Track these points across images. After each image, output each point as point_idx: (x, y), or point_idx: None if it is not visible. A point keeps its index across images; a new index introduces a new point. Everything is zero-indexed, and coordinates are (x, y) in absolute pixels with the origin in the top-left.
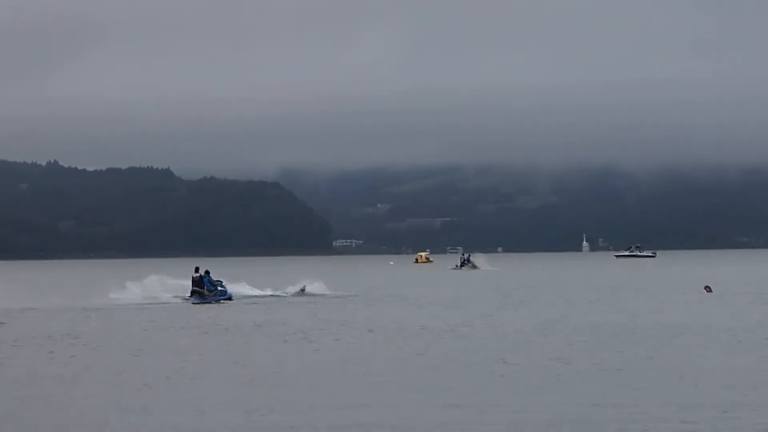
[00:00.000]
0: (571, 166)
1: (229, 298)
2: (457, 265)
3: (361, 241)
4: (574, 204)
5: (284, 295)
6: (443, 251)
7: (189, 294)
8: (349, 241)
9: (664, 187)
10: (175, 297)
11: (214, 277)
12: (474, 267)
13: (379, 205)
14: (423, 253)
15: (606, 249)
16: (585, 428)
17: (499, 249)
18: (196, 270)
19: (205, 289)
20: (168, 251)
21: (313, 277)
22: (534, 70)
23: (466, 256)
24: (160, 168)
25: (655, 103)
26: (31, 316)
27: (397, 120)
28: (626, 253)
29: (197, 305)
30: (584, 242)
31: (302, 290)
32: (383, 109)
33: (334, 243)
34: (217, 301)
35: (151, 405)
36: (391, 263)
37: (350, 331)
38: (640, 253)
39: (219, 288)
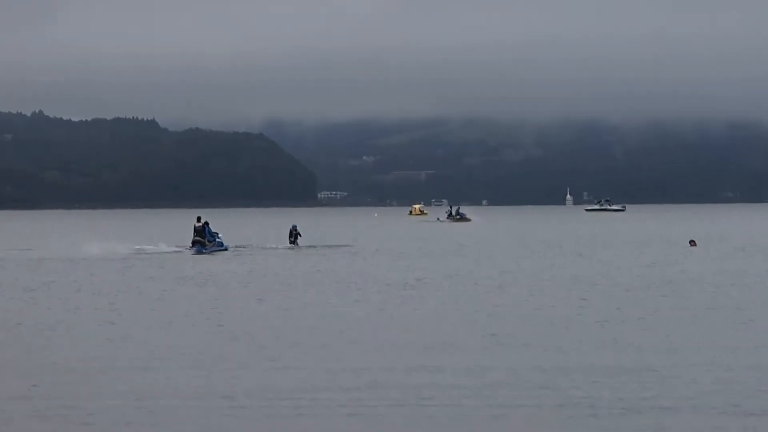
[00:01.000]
0: (557, 119)
1: (225, 250)
2: (439, 218)
3: (346, 193)
4: (560, 157)
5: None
6: (428, 204)
7: (190, 244)
8: (334, 192)
9: (650, 141)
10: (178, 247)
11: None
12: (463, 219)
13: (364, 158)
14: (417, 206)
15: (590, 203)
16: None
17: (484, 202)
18: (198, 219)
19: (206, 240)
20: (153, 202)
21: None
22: (521, 25)
23: (455, 208)
24: (145, 119)
25: (641, 58)
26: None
27: (384, 72)
28: (596, 206)
29: (199, 255)
30: (568, 196)
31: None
32: (370, 62)
33: (319, 195)
34: (212, 252)
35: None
36: (375, 215)
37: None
38: (609, 207)
39: (216, 239)
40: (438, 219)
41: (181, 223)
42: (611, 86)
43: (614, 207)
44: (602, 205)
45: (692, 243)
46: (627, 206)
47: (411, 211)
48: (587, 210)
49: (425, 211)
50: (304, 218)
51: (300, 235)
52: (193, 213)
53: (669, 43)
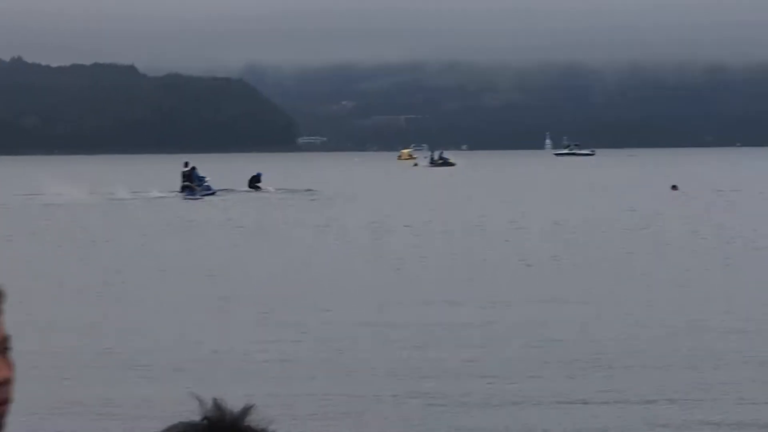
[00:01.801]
0: (536, 64)
1: (213, 194)
2: (416, 164)
3: (325, 139)
4: (539, 102)
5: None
6: (409, 149)
7: (180, 189)
8: (314, 138)
9: (629, 85)
10: (169, 192)
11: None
12: (446, 163)
13: (343, 103)
14: (406, 150)
15: (569, 147)
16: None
17: (464, 146)
18: (186, 165)
19: (195, 184)
20: (132, 148)
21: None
22: None
23: (437, 152)
24: (124, 64)
25: (621, 1)
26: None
27: (363, 17)
28: (565, 151)
29: (189, 200)
30: (547, 140)
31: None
32: (349, 6)
33: (299, 140)
34: (201, 196)
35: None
36: (356, 160)
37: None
38: (579, 152)
39: (204, 183)
40: (415, 164)
41: (166, 168)
42: (590, 30)
43: (583, 151)
44: (571, 149)
45: (674, 188)
46: (601, 150)
47: (400, 156)
48: (556, 154)
49: (414, 156)
50: (283, 164)
51: (260, 184)
52: (173, 159)
53: None
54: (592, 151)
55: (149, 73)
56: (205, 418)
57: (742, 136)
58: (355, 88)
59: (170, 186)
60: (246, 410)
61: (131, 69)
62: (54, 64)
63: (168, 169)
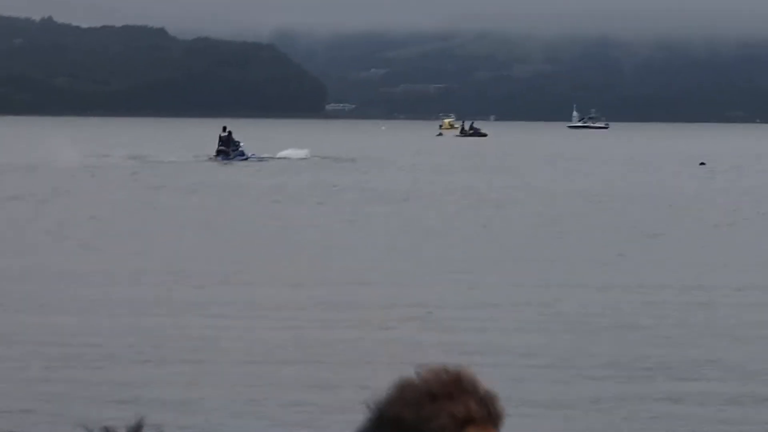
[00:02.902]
0: (566, 35)
1: (246, 159)
2: (440, 133)
3: (354, 106)
4: (569, 73)
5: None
6: (436, 117)
7: (215, 153)
8: (342, 105)
9: (660, 59)
10: (206, 156)
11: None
12: (477, 134)
13: (373, 70)
14: (448, 120)
15: (598, 119)
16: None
17: (492, 117)
18: (224, 129)
19: (230, 149)
20: (161, 111)
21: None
22: None
23: (468, 123)
24: (154, 27)
25: None
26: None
27: None
28: (579, 123)
29: (225, 163)
30: (574, 113)
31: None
32: None
33: (327, 107)
34: (236, 160)
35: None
36: (383, 128)
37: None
38: (593, 124)
39: (239, 148)
40: (439, 134)
41: (198, 132)
42: (621, 2)
43: (597, 124)
44: (585, 122)
45: (702, 164)
46: (628, 125)
47: (441, 125)
48: (570, 127)
49: (456, 126)
50: (313, 129)
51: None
52: (202, 122)
53: None
54: (606, 125)
55: (179, 36)
56: None
57: None
58: (386, 55)
59: (204, 150)
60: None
61: (161, 32)
62: (84, 25)
63: (197, 133)
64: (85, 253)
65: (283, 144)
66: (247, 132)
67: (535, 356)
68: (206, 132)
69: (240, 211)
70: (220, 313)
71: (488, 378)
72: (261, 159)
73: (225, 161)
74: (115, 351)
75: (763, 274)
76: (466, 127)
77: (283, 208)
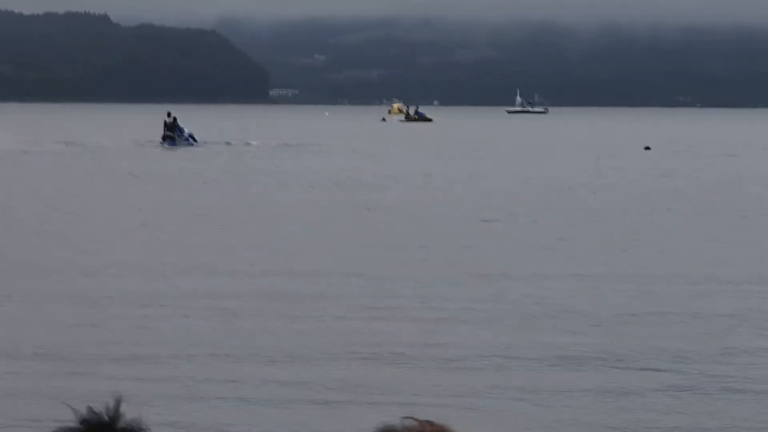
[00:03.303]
0: (509, 21)
1: (192, 145)
2: (384, 118)
3: (297, 92)
4: (512, 59)
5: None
6: (380, 103)
7: (161, 139)
8: (285, 90)
9: (603, 44)
10: (147, 142)
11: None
12: (422, 119)
13: (316, 56)
14: (396, 105)
15: (542, 104)
16: None
17: (436, 102)
18: (168, 115)
19: (176, 135)
20: (104, 97)
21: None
22: None
23: (413, 108)
24: (97, 13)
25: None
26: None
27: None
28: (518, 108)
29: (170, 149)
30: (518, 97)
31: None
32: None
33: (270, 92)
34: (181, 145)
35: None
36: (327, 114)
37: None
38: (531, 109)
39: (185, 134)
40: (383, 119)
41: (146, 118)
42: None
43: (536, 109)
44: (524, 107)
45: (647, 149)
46: (572, 109)
47: (390, 111)
48: (509, 112)
49: (404, 110)
50: (253, 115)
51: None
52: (146, 108)
53: None
54: (546, 109)
55: (122, 23)
56: (82, 422)
57: (716, 97)
58: (329, 41)
59: (147, 136)
60: (117, 410)
61: (104, 18)
62: (27, 12)
63: (142, 119)
64: None
65: (227, 129)
66: (191, 118)
67: (475, 347)
68: (151, 118)
69: (165, 197)
70: (144, 302)
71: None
72: (205, 144)
73: (170, 147)
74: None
75: (684, 253)
76: (411, 112)
77: (209, 194)
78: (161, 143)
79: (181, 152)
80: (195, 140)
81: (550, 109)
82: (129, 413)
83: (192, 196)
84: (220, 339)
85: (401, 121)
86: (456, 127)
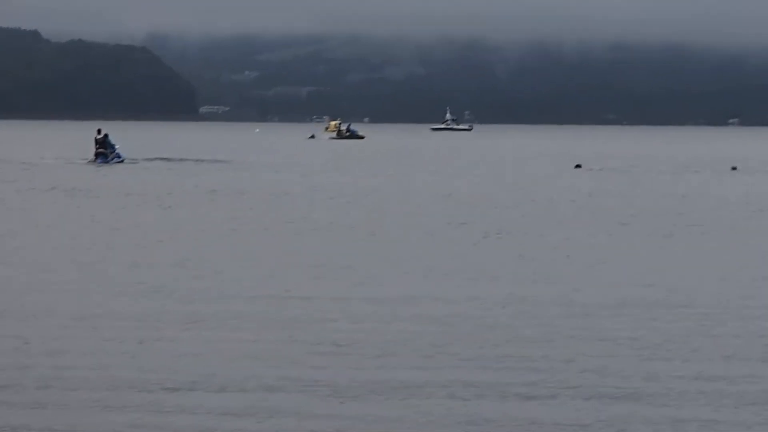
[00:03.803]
0: (437, 38)
1: (122, 161)
2: (313, 135)
3: (227, 108)
4: (442, 76)
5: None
6: (310, 120)
7: (94, 156)
8: (215, 107)
9: (532, 61)
10: (81, 159)
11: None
12: (354, 136)
13: (246, 72)
14: (334, 122)
15: (471, 121)
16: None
17: (366, 119)
18: (99, 132)
19: (108, 151)
20: (33, 114)
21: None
22: None
23: (345, 125)
24: (27, 29)
25: None
26: None
27: None
28: (442, 126)
29: (102, 166)
30: (447, 114)
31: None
32: None
33: (200, 109)
34: (112, 162)
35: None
36: (257, 131)
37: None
38: (456, 126)
39: (115, 150)
40: (311, 136)
41: (73, 135)
42: (492, 4)
43: (461, 126)
44: (448, 124)
45: (578, 166)
46: (500, 126)
47: (327, 128)
48: (433, 129)
49: (341, 128)
50: (184, 132)
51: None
52: (76, 125)
53: None
54: (470, 126)
55: (52, 38)
56: None
57: (644, 115)
58: (258, 58)
59: (76, 153)
60: None
61: (34, 34)
62: None
63: (73, 135)
64: None
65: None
66: (120, 134)
67: (395, 352)
68: (80, 134)
69: (88, 213)
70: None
71: None
72: (134, 161)
73: (102, 163)
74: None
75: (615, 267)
76: (343, 129)
77: (129, 211)
78: (93, 160)
79: (110, 168)
80: (121, 157)
81: (477, 126)
82: None
83: (114, 213)
84: (131, 361)
85: (332, 138)
86: (381, 144)
